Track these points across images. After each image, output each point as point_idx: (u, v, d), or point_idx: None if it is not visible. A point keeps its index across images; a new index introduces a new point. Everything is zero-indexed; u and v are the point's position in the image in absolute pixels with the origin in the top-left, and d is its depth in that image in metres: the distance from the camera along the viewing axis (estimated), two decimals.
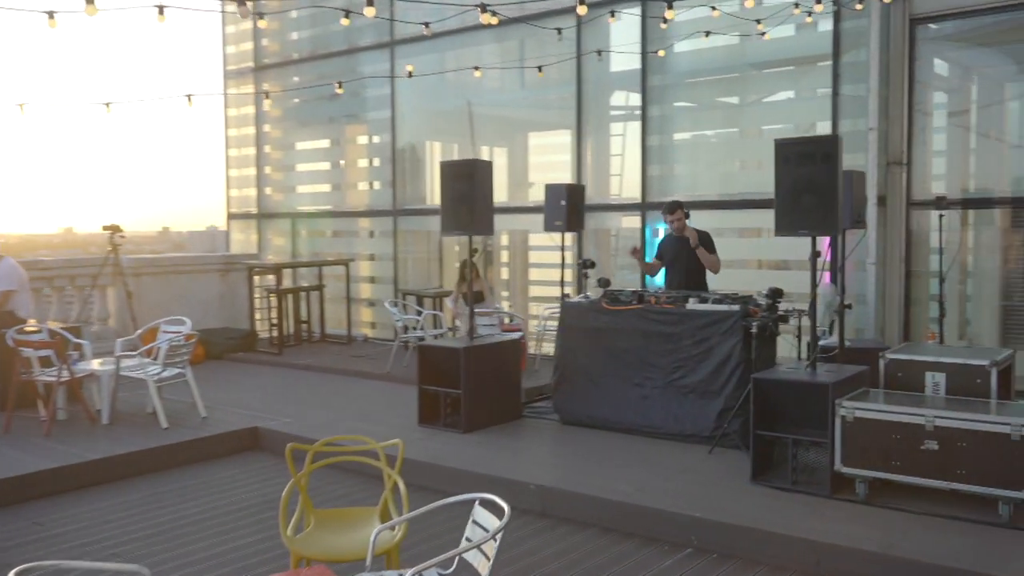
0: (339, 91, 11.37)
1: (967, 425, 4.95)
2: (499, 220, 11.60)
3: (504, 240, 13.48)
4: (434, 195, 12.26)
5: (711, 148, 9.80)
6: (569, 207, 8.12)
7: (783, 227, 5.69)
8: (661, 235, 8.40)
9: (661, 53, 9.34)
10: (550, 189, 8.24)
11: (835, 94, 8.40)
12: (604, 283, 7.50)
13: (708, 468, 6.15)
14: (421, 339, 10.31)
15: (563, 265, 8.52)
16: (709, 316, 6.76)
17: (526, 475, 5.98)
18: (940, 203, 7.66)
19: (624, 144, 10.20)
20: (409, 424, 7.49)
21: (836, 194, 5.44)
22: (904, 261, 8.38)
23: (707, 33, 8.78)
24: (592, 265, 8.46)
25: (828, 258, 8.45)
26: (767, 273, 9.10)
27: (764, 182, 9.01)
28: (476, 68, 10.63)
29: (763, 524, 4.94)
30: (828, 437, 5.41)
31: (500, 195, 12.63)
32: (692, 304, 6.90)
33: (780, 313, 6.60)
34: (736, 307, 6.72)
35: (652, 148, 9.64)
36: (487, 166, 7.37)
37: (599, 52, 9.88)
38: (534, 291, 13.09)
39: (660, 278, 8.12)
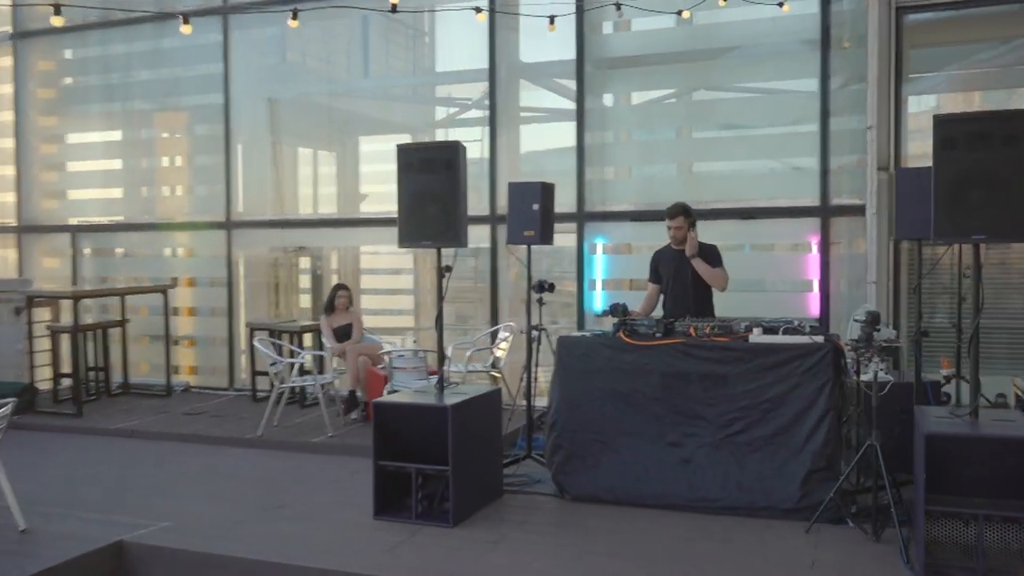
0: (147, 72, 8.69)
1: None
2: (330, 235, 9.78)
3: (334, 261, 11.21)
4: (283, 203, 9.80)
5: (669, 148, 8.33)
6: (542, 212, 6.24)
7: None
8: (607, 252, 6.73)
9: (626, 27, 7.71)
10: (518, 188, 6.30)
11: (824, 90, 7.23)
12: (621, 311, 5.69)
13: (834, 559, 4.52)
14: (297, 389, 7.93)
15: (529, 284, 6.54)
16: (787, 352, 5.18)
17: None
18: None
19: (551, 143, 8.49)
20: (362, 519, 5.22)
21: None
22: (892, 279, 7.32)
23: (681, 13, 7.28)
24: (551, 288, 6.61)
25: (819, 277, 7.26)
26: (737, 296, 7.70)
27: (740, 187, 7.71)
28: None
29: None
30: None
31: (329, 207, 10.49)
32: (758, 336, 5.29)
33: (884, 343, 5.15)
34: (820, 338, 5.21)
35: (592, 148, 7.99)
36: (464, 152, 5.34)
37: (551, 19, 8.07)
38: (370, 322, 10.98)
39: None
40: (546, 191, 6.28)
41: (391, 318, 11.20)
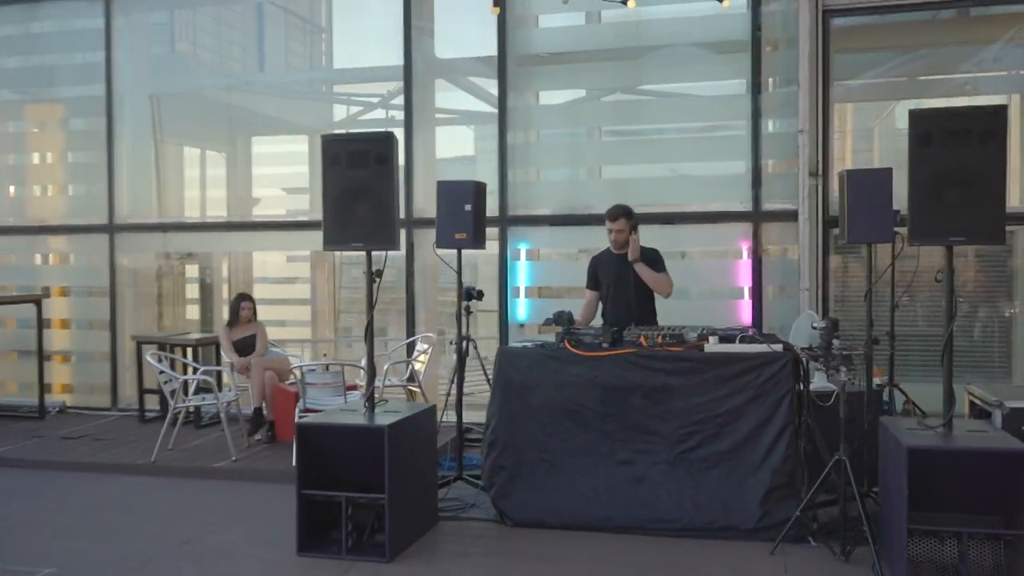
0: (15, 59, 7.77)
1: None
2: (222, 240, 9.01)
3: (224, 269, 10.45)
4: (163, 206, 8.98)
5: (597, 150, 8.00)
6: (475, 214, 5.78)
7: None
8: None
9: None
10: (448, 188, 5.82)
11: (755, 92, 7.06)
12: (566, 319, 5.28)
13: None
14: (192, 408, 7.21)
15: (460, 290, 6.05)
16: (745, 362, 4.89)
17: None
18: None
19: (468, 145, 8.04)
20: (284, 555, 4.62)
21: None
22: (821, 286, 7.21)
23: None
24: (479, 296, 6.17)
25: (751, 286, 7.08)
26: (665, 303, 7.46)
27: (673, 191, 7.47)
28: None
29: None
30: None
31: (218, 210, 9.73)
32: (714, 345, 4.98)
33: (844, 352, 4.91)
34: (779, 347, 4.95)
35: (515, 148, 7.58)
36: (395, 144, 4.84)
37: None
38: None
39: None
40: (478, 191, 5.83)
41: (286, 330, 10.50)
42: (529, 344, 5.38)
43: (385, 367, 7.06)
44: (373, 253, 4.88)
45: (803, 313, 5.97)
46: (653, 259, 5.77)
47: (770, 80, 7.19)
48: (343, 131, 8.93)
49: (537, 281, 7.79)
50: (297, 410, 6.40)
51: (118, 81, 8.60)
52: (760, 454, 4.83)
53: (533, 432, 5.16)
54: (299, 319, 11.15)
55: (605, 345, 5.17)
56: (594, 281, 5.94)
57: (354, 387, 6.90)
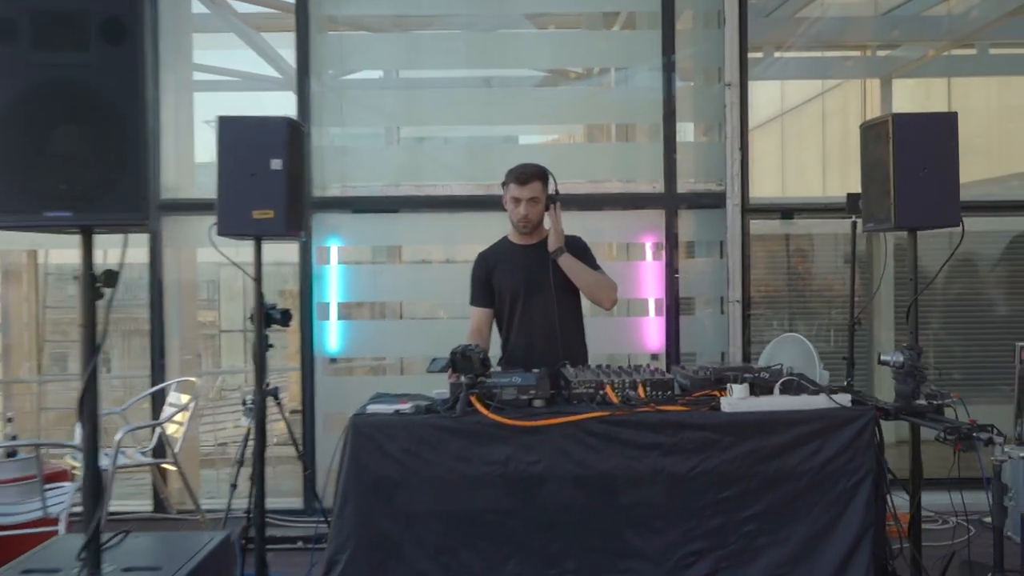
0: None
1: None
2: None
3: None
4: None
5: (444, 103, 5.53)
6: (289, 177, 3.28)
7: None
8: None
9: None
10: (237, 129, 3.25)
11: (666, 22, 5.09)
12: (477, 361, 2.92)
13: None
14: None
15: (260, 309, 3.47)
16: (796, 427, 2.83)
17: None
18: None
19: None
20: None
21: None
22: (743, 291, 5.36)
23: None
24: (285, 320, 3.70)
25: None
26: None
27: (553, 164, 5.33)
28: None
29: None
30: None
31: None
32: (739, 400, 2.86)
33: (934, 402, 2.97)
34: (845, 398, 2.93)
35: (323, 97, 5.08)
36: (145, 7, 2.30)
37: None
38: None
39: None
40: (294, 136, 3.34)
41: None
42: (403, 408, 2.99)
43: (117, 436, 4.33)
44: (97, 234, 2.31)
45: (783, 336, 4.02)
46: (580, 250, 3.63)
47: (689, 13, 5.28)
48: None
49: (358, 294, 5.37)
50: None
51: None
52: None
53: (416, 563, 2.80)
54: None
55: (539, 403, 2.93)
56: (485, 291, 3.66)
57: (64, 475, 4.12)
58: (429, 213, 5.14)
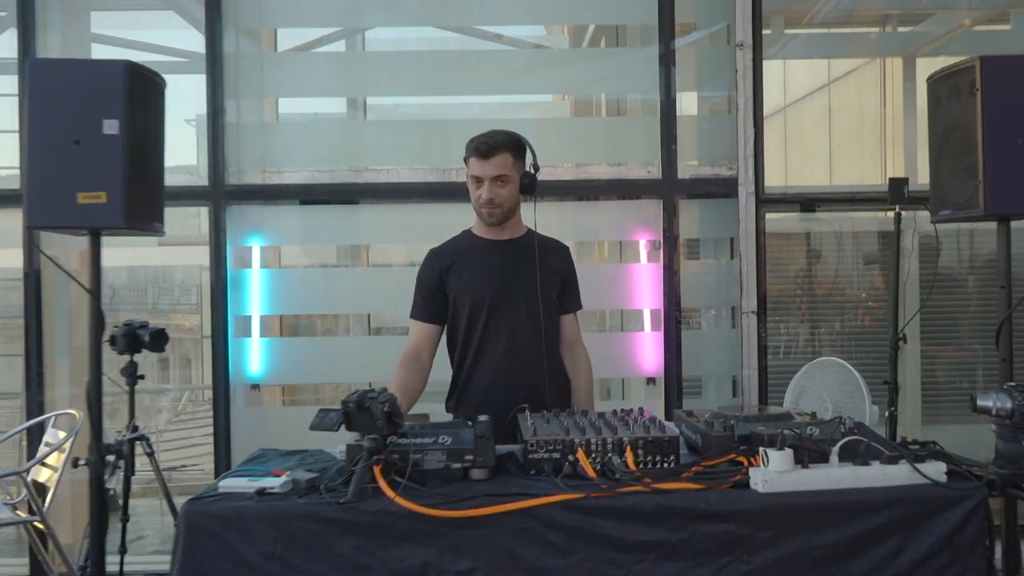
0: None
1: None
2: None
3: None
4: None
5: (392, 67, 4.52)
6: (129, 138, 2.31)
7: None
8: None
9: None
10: (48, 74, 2.28)
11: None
12: (383, 414, 1.93)
13: None
14: None
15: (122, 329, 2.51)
16: (870, 516, 1.85)
17: None
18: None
19: None
20: None
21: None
22: (758, 299, 4.40)
23: None
24: (158, 344, 2.77)
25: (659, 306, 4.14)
26: None
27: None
28: None
29: None
30: None
31: None
32: (778, 472, 1.89)
33: None
34: (940, 468, 1.95)
35: (239, 60, 4.11)
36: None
37: None
38: None
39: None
40: (142, 90, 2.37)
41: None
42: (272, 485, 1.99)
43: None
44: None
45: (819, 360, 3.04)
46: (566, 272, 2.76)
47: None
48: None
49: (285, 306, 4.37)
50: None
51: None
52: None
53: None
54: None
55: (479, 474, 1.96)
56: (434, 302, 2.70)
57: None
58: (374, 205, 4.17)
